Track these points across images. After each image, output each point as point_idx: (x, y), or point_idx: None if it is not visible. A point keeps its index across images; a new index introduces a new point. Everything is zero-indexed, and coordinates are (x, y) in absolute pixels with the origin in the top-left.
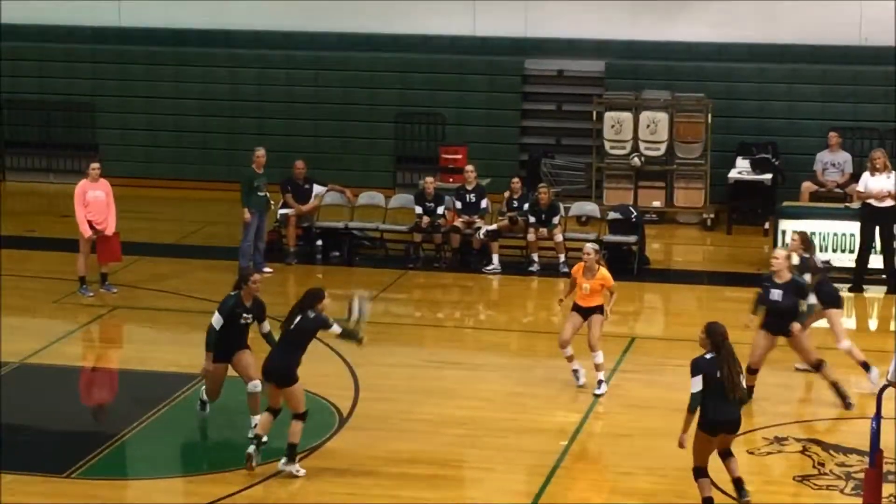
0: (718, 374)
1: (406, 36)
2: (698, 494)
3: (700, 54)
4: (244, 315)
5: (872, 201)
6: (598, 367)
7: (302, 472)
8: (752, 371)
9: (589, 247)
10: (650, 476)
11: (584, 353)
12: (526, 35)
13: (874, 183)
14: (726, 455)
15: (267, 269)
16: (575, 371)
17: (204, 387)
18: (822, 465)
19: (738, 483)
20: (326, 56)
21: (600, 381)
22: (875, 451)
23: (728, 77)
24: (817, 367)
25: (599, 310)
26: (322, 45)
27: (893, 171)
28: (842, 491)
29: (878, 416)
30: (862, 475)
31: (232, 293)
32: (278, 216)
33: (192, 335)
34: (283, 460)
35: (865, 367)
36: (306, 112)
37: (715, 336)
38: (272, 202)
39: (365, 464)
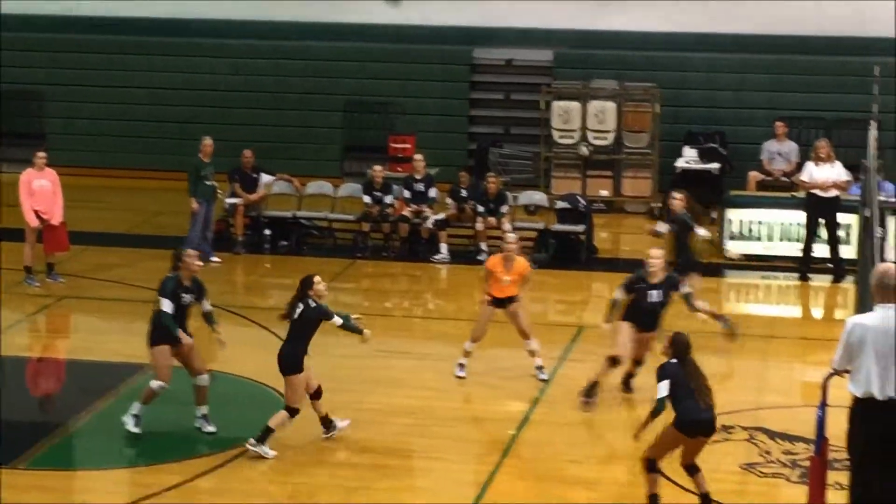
0: (687, 379)
1: (354, 25)
2: (645, 483)
3: (648, 44)
4: (185, 296)
5: (818, 191)
6: (534, 354)
7: (271, 454)
8: (616, 362)
9: (511, 236)
10: (598, 465)
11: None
12: (475, 24)
13: (819, 173)
14: (693, 470)
15: (215, 259)
16: (461, 364)
17: (137, 403)
18: (769, 453)
19: (705, 499)
20: (274, 46)
21: (541, 367)
22: (820, 439)
23: (676, 67)
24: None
25: (514, 299)
26: (269, 35)
27: (838, 161)
28: (788, 479)
29: (823, 404)
30: (808, 463)
31: (170, 275)
32: (226, 205)
33: (139, 325)
34: (253, 440)
35: (719, 318)
36: (255, 101)
37: (678, 346)
38: (220, 191)
39: (314, 453)
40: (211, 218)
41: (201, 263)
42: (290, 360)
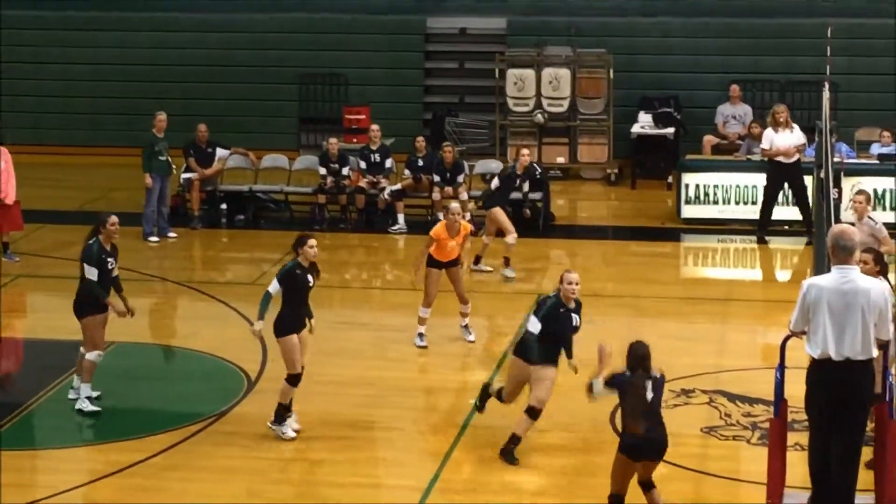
0: (633, 395)
1: None
2: (609, 448)
3: (601, 10)
4: (108, 260)
5: (781, 158)
6: (466, 315)
7: (290, 433)
8: None
9: (455, 206)
10: (560, 431)
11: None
12: None
13: (781, 140)
14: (647, 487)
15: (172, 234)
16: (421, 334)
17: (83, 385)
18: (729, 415)
19: None
20: (226, 18)
21: (467, 327)
22: (779, 401)
23: (629, 32)
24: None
25: (457, 262)
26: (221, 8)
27: (795, 125)
28: (748, 441)
29: (781, 366)
30: (767, 425)
31: (91, 240)
32: (181, 180)
33: None
34: (269, 423)
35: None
36: (208, 75)
37: (632, 357)
38: (174, 166)
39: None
40: (166, 193)
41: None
42: (276, 323)
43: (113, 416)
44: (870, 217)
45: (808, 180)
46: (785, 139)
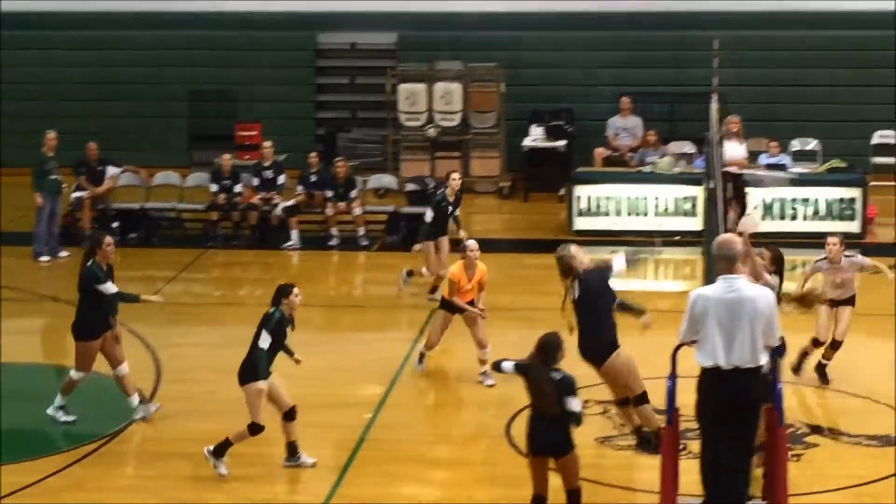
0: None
1: (198, 13)
2: (505, 460)
3: (491, 24)
4: (108, 279)
5: (732, 169)
6: (484, 363)
7: (223, 471)
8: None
9: (472, 242)
10: (452, 445)
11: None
12: (318, 9)
13: (733, 150)
14: (570, 496)
15: (63, 253)
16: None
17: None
18: (623, 426)
19: None
20: (116, 35)
21: (487, 373)
22: (671, 410)
23: (520, 45)
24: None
25: (472, 304)
26: (109, 25)
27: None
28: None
29: (673, 376)
30: (660, 433)
31: (89, 262)
32: (72, 199)
33: None
34: (209, 448)
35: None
36: (98, 93)
37: (537, 346)
38: (64, 185)
39: (171, 445)
40: (57, 212)
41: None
42: (243, 369)
43: (8, 438)
44: (845, 255)
45: (698, 191)
46: (736, 150)
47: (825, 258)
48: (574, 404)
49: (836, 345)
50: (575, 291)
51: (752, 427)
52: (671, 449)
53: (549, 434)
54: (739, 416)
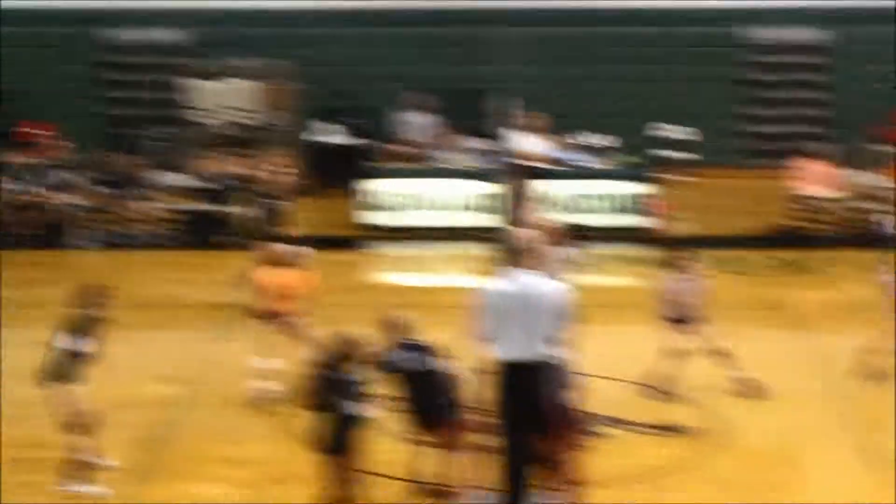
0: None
1: None
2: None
3: (286, 21)
4: None
5: (529, 163)
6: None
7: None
8: None
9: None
10: (253, 444)
11: None
12: (110, 6)
13: (530, 146)
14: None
15: None
16: None
17: None
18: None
19: None
20: None
21: None
22: (467, 405)
23: (315, 42)
24: None
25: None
26: None
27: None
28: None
29: (472, 371)
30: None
31: None
32: None
33: None
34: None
35: None
36: None
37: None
38: None
39: None
40: None
41: None
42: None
43: None
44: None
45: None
46: (532, 145)
47: None
48: (352, 407)
49: None
50: None
51: (543, 420)
52: (467, 443)
53: (331, 433)
54: (530, 408)
